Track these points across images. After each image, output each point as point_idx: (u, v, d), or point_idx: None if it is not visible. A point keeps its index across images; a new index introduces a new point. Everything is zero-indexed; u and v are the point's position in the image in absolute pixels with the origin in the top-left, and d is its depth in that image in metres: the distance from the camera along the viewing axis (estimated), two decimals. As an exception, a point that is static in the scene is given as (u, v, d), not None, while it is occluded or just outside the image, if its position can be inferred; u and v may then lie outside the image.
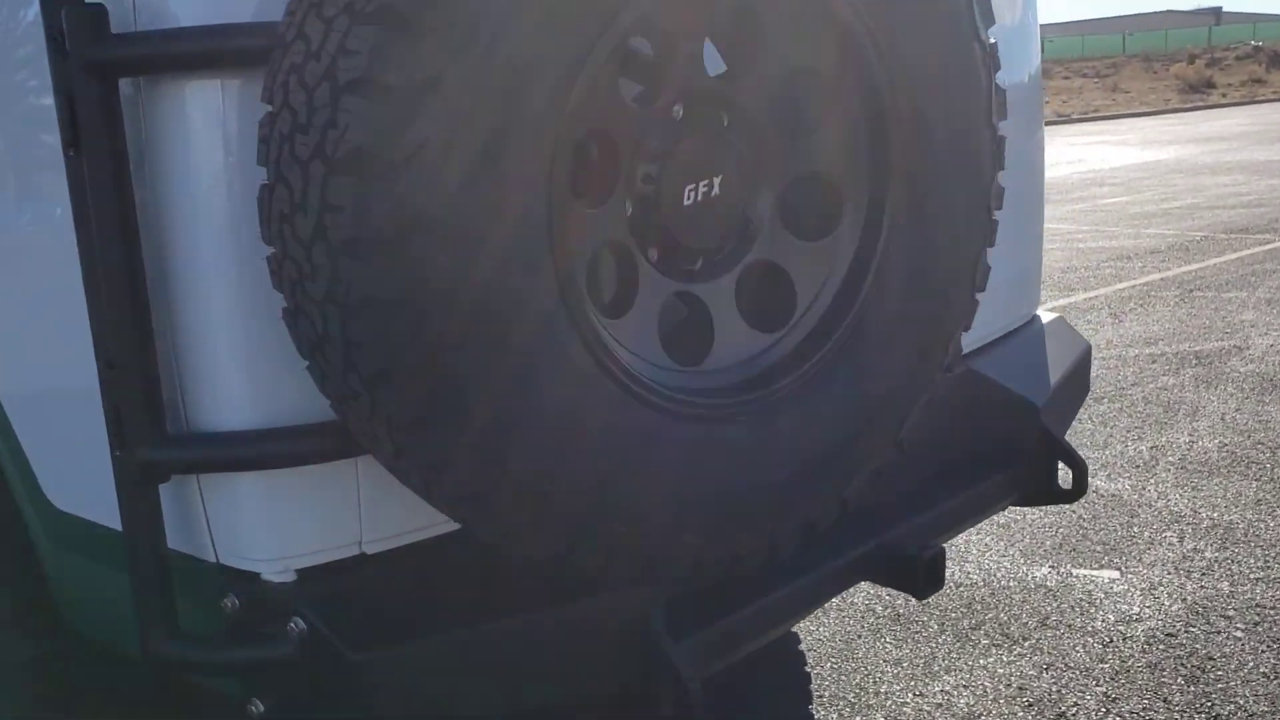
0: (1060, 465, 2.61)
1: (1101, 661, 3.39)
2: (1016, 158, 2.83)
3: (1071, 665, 3.37)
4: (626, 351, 1.42)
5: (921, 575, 2.10)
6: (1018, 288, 2.77)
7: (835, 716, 3.15)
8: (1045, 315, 2.95)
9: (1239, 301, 8.16)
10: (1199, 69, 43.43)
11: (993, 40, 1.64)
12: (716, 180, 1.50)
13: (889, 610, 3.75)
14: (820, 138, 1.57)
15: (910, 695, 3.23)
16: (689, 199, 1.47)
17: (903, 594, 3.91)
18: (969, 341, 2.63)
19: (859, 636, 3.58)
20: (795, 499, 1.55)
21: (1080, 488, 2.56)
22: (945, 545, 2.46)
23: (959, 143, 1.60)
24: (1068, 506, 4.59)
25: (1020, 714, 3.13)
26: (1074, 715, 3.12)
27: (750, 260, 1.57)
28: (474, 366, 1.22)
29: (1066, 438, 5.41)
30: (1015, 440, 2.57)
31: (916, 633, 3.60)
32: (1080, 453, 5.26)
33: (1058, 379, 2.67)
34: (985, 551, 4.22)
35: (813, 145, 1.57)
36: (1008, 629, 3.60)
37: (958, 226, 1.63)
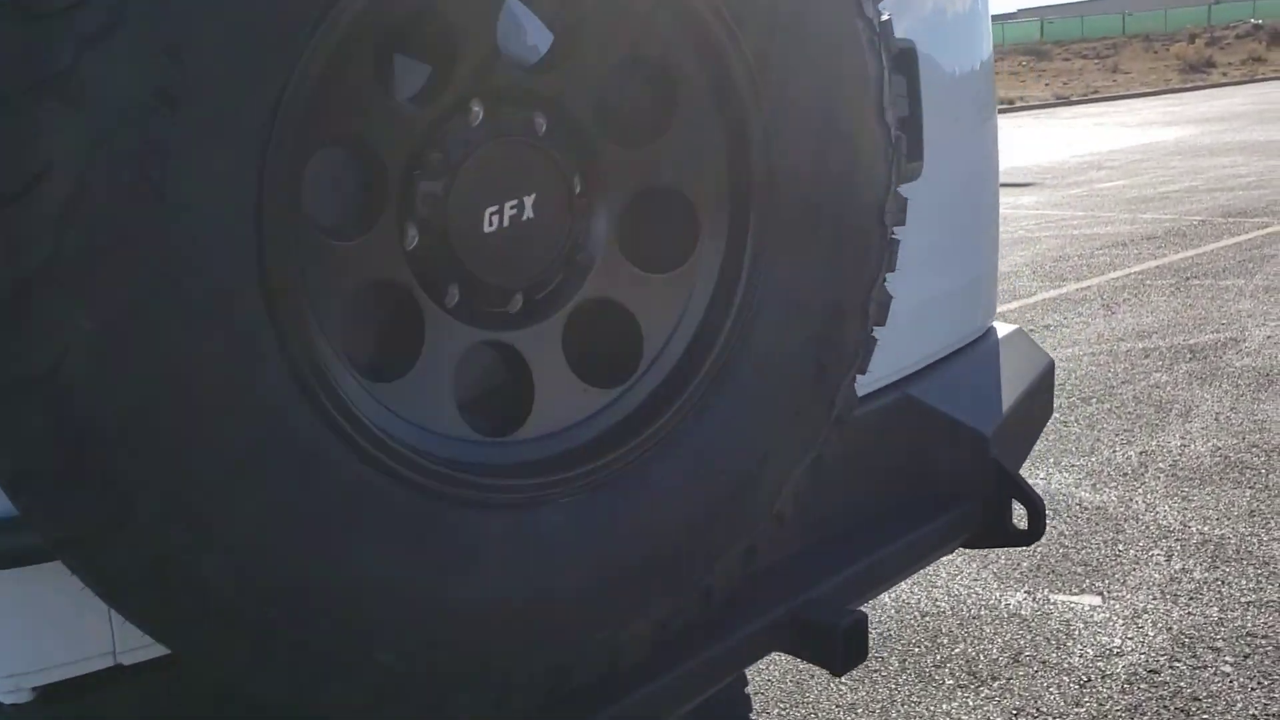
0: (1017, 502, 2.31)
1: (1077, 705, 3.08)
2: (965, 155, 2.52)
3: (1044, 710, 3.06)
4: (404, 424, 1.11)
5: (839, 648, 1.80)
6: (967, 300, 2.46)
7: (780, 773, 2.86)
8: (1003, 327, 2.64)
9: (1236, 290, 7.83)
10: (1199, 48, 42.97)
11: (884, 15, 1.32)
12: (528, 200, 1.18)
13: (847, 645, 3.43)
14: (666, 144, 1.26)
15: (863, 747, 2.93)
16: (490, 224, 1.16)
17: (863, 626, 3.61)
18: (907, 364, 2.32)
19: (811, 677, 3.28)
20: (641, 596, 1.24)
21: (1037, 529, 2.25)
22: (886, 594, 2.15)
23: (840, 144, 1.28)
24: (1049, 522, 4.28)
25: (984, 769, 2.83)
26: (1043, 770, 2.81)
27: (582, 299, 1.25)
28: (146, 465, 0.91)
29: (1052, 447, 5.09)
30: (961, 476, 2.26)
31: (875, 671, 3.29)
32: (1065, 460, 4.99)
33: (1012, 403, 2.35)
34: (956, 575, 3.91)
35: (656, 153, 1.26)
36: (975, 667, 3.29)
37: (843, 249, 1.32)
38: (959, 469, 2.26)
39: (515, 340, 1.21)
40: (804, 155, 1.27)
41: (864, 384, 2.26)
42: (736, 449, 1.28)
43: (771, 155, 1.25)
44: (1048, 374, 2.57)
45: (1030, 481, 4.81)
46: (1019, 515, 2.26)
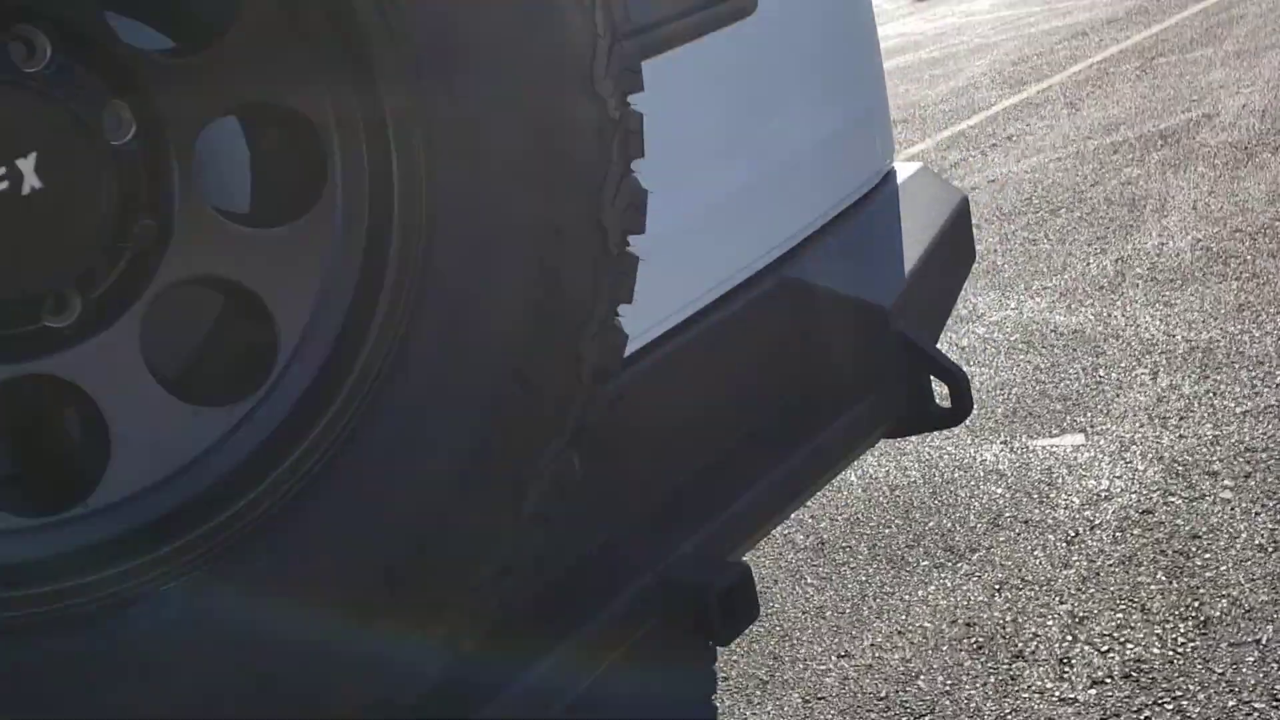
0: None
1: (1065, 567, 2.76)
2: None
3: (1029, 579, 2.75)
4: None
5: (716, 614, 1.46)
6: (849, 147, 2.05)
7: (744, 703, 2.56)
8: (906, 168, 2.23)
9: (1205, 61, 7.33)
10: None
11: None
12: (25, 163, 0.80)
13: (811, 539, 3.13)
14: (237, 39, 0.86)
15: (833, 659, 2.63)
16: (-33, 213, 0.78)
17: (826, 514, 3.30)
18: (781, 239, 1.94)
19: (775, 582, 2.97)
20: (320, 688, 0.89)
21: (962, 405, 1.89)
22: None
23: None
24: (1023, 356, 3.93)
25: (968, 662, 2.52)
26: (1034, 653, 2.50)
27: (167, 282, 0.87)
28: None
29: (1021, 270, 4.68)
30: (863, 362, 1.89)
31: (843, 565, 2.98)
32: (1036, 283, 4.61)
33: (917, 260, 1.97)
34: (926, 436, 3.57)
35: (228, 57, 0.86)
36: (952, 540, 2.97)
37: (541, 145, 0.93)
38: (860, 354, 1.89)
39: (60, 368, 0.84)
40: (440, 17, 0.87)
41: (731, 274, 1.89)
42: (436, 452, 0.92)
43: (396, 26, 0.86)
44: (961, 214, 2.17)
45: (1001, 313, 4.46)
46: (941, 392, 1.91)
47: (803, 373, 1.90)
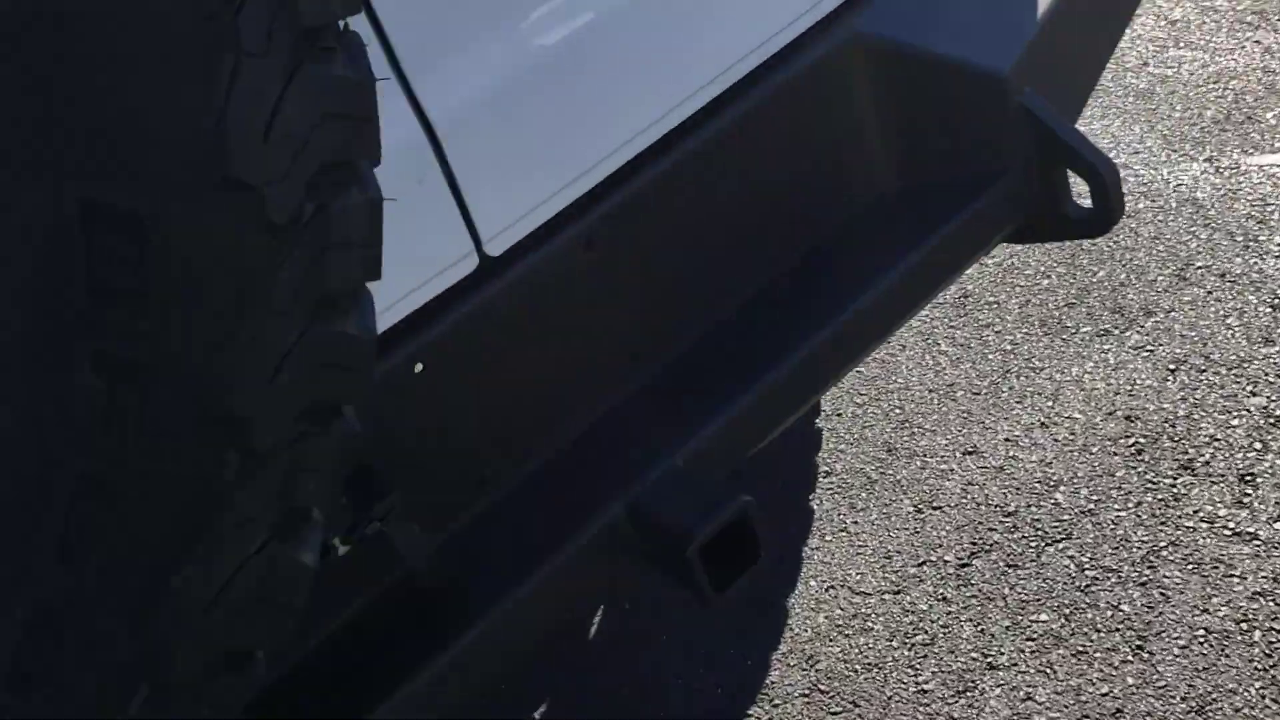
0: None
1: (1266, 343, 2.20)
2: None
3: (1216, 358, 2.20)
4: None
5: (698, 572, 1.06)
6: None
7: (845, 507, 2.19)
8: None
9: None
10: None
11: None
12: None
13: (955, 290, 2.61)
14: None
15: (958, 455, 2.20)
16: None
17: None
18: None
19: (904, 348, 2.50)
20: None
21: (1107, 209, 1.34)
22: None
23: None
24: (1249, 35, 3.12)
25: (1121, 471, 2.05)
26: (1208, 465, 2.01)
27: None
28: None
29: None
30: (967, 149, 1.35)
31: (986, 327, 2.48)
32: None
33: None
34: (1108, 147, 2.91)
35: None
36: (1123, 298, 2.41)
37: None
38: (965, 139, 1.35)
39: None
40: None
41: (775, 30, 1.34)
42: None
43: None
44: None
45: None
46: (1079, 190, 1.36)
47: (884, 166, 1.38)
